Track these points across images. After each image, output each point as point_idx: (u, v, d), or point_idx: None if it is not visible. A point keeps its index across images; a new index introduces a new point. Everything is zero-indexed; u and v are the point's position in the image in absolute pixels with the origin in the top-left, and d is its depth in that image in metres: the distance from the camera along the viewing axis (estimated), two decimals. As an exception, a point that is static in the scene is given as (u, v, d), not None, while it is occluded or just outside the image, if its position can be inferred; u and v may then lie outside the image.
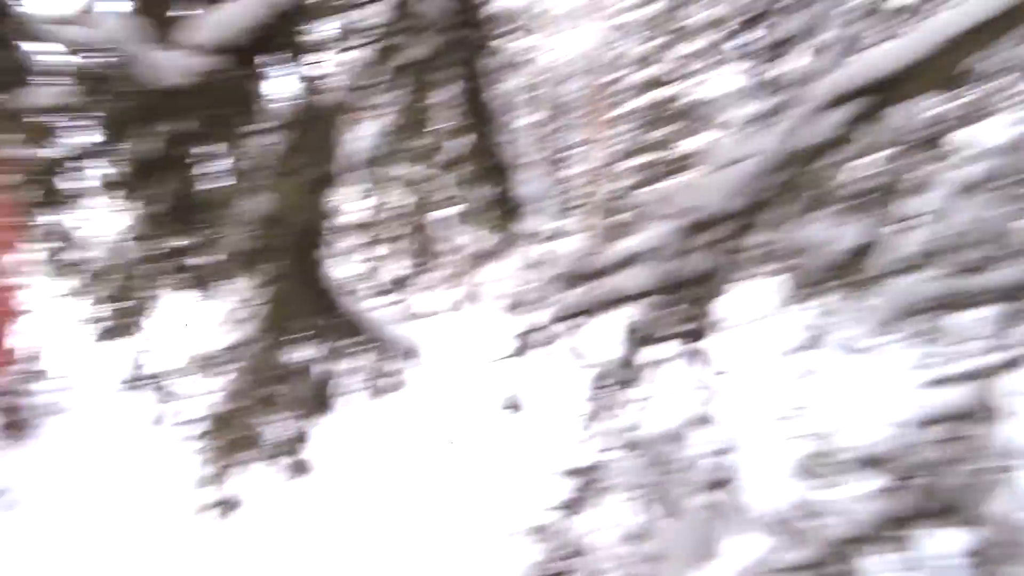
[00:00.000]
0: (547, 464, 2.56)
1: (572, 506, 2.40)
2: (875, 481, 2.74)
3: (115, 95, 1.34)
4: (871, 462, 4.61)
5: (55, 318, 7.29)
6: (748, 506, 2.36)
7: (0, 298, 7.74)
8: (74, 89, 1.34)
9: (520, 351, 1.98)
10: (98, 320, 2.17)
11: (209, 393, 2.68)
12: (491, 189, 1.97)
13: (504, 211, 2.01)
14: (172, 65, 1.30)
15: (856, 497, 2.65)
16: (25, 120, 1.49)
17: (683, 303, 1.69)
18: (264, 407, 2.50)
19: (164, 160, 1.46)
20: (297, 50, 1.49)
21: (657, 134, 17.97)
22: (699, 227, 1.61)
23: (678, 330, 1.73)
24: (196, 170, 1.52)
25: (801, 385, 6.39)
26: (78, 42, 1.34)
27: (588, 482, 2.31)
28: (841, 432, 4.67)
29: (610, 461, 2.31)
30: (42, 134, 1.56)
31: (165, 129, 1.42)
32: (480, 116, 1.81)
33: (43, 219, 1.96)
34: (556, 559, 2.46)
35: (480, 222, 2.21)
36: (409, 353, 2.37)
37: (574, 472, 2.40)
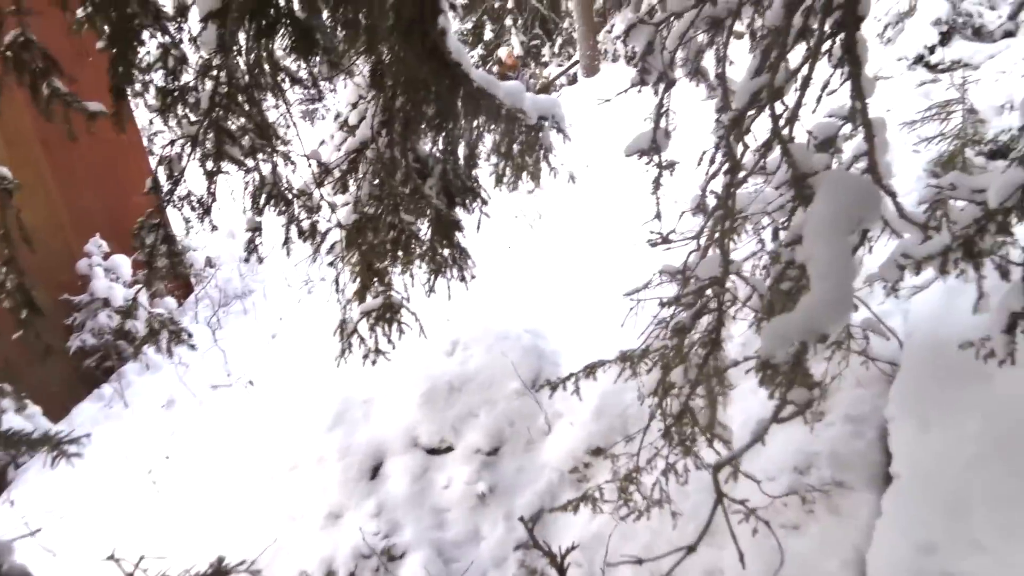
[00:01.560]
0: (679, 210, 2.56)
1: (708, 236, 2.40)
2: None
3: None
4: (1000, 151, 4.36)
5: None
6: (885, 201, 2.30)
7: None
8: None
9: (641, 79, 1.87)
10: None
11: (343, 205, 2.81)
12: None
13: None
14: None
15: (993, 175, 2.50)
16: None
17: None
18: (402, 207, 2.59)
19: None
20: None
21: None
22: None
23: (823, 22, 1.58)
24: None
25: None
26: None
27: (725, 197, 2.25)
28: (973, 126, 4.40)
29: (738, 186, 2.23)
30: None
31: None
32: None
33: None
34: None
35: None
36: (543, 121, 2.34)
37: (704, 209, 2.37)
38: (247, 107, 2.00)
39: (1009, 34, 6.87)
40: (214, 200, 2.27)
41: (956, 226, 2.22)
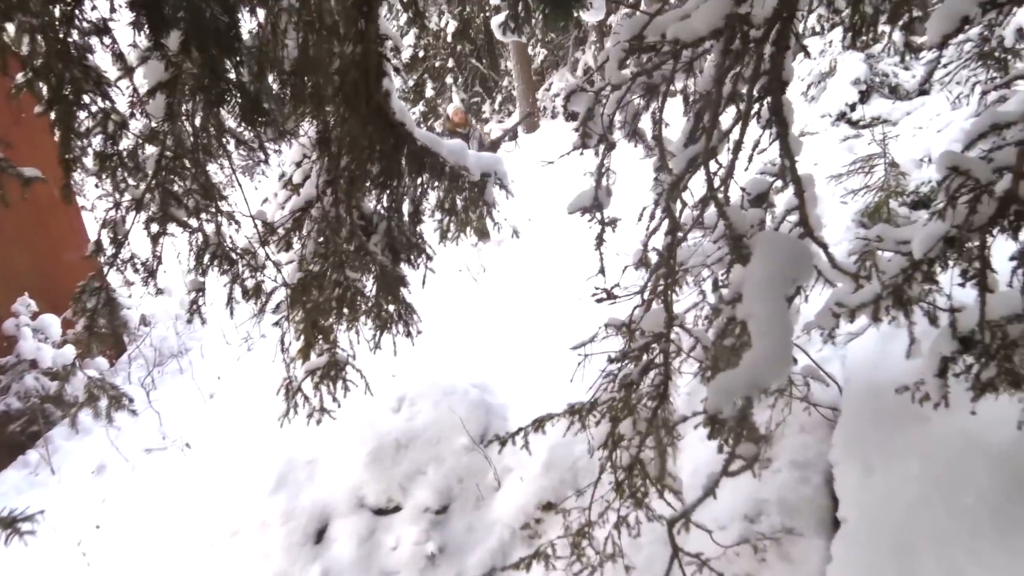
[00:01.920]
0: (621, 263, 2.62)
1: (651, 291, 2.46)
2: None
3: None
4: (922, 202, 4.63)
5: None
6: (817, 257, 2.40)
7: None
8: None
9: (582, 142, 1.94)
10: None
11: (288, 262, 2.76)
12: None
13: (559, 2, 1.89)
14: None
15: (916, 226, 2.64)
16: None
17: (756, 47, 1.61)
18: (347, 264, 2.56)
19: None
20: None
21: None
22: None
23: (751, 88, 1.67)
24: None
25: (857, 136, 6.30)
26: None
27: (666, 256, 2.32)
28: (895, 178, 4.67)
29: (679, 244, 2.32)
30: None
31: None
32: None
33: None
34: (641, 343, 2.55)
35: (534, 21, 2.10)
36: (486, 178, 2.37)
37: (646, 262, 2.44)
38: (193, 170, 1.97)
39: (923, 92, 7.38)
40: (159, 263, 2.21)
41: (885, 275, 2.32)
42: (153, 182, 1.93)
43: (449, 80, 18.98)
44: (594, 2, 2.91)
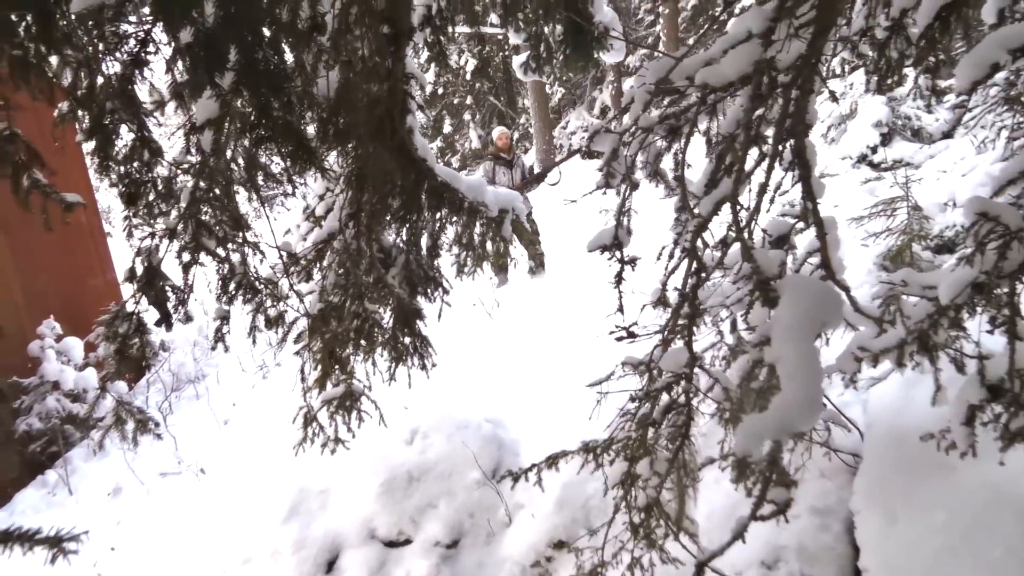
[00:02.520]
0: (640, 302, 2.61)
1: (672, 330, 2.44)
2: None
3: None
4: (945, 246, 4.57)
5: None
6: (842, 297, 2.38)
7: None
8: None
9: (606, 181, 1.95)
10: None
11: (308, 293, 2.79)
12: (565, 19, 1.88)
13: (580, 43, 1.93)
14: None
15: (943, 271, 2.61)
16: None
17: (783, 91, 1.62)
18: (366, 296, 2.58)
19: (230, 22, 1.43)
20: None
21: None
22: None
23: (778, 131, 1.67)
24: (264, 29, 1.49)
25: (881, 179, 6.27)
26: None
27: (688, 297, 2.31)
28: (918, 222, 4.63)
29: (702, 285, 2.32)
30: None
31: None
32: None
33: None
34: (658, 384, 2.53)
35: (554, 63, 2.15)
36: (503, 214, 2.39)
37: (664, 302, 2.43)
38: (225, 201, 2.02)
39: (947, 136, 7.36)
40: (191, 291, 2.25)
41: (910, 320, 2.29)
42: (187, 212, 1.98)
43: (467, 116, 19.29)
44: (613, 44, 2.95)
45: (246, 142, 1.83)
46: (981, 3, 1.76)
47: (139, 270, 2.09)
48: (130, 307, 2.21)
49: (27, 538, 1.36)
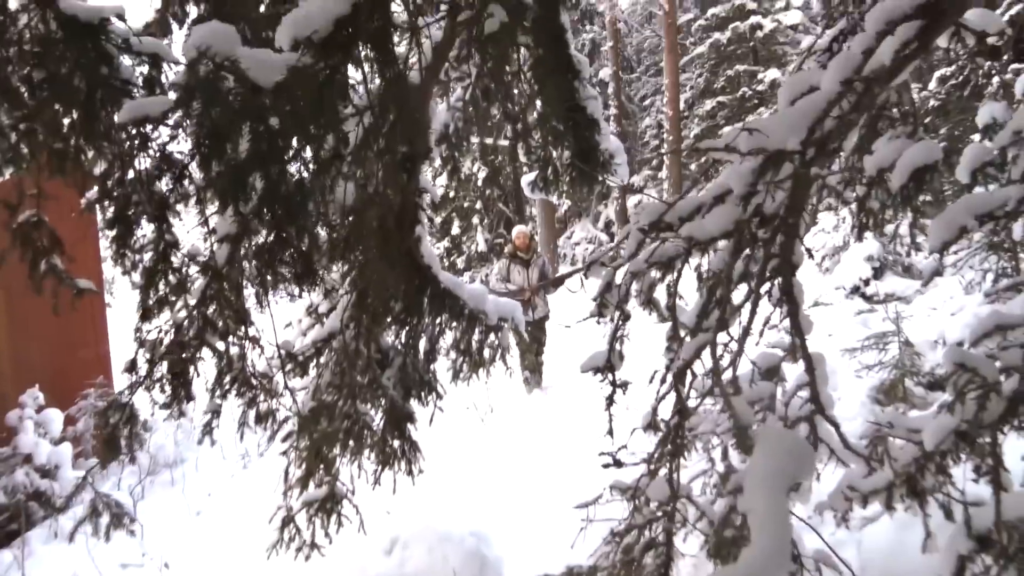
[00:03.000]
0: (631, 421, 2.61)
1: (658, 460, 2.45)
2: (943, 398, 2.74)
3: (216, 98, 1.41)
4: (937, 383, 4.60)
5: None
6: (829, 435, 2.39)
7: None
8: (175, 97, 1.42)
9: (599, 311, 2.02)
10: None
11: (301, 389, 2.80)
12: (573, 146, 2.01)
13: (584, 169, 2.05)
14: (268, 63, 1.37)
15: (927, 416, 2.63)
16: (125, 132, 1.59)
17: (764, 242, 1.72)
18: (359, 396, 2.59)
19: (259, 158, 1.54)
20: (377, 36, 1.55)
21: (730, 73, 17.99)
22: (776, 162, 1.63)
23: (763, 269, 1.76)
24: (289, 165, 1.60)
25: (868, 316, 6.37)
26: (172, 53, 1.43)
27: (672, 434, 2.34)
28: (910, 358, 4.68)
29: (692, 410, 2.34)
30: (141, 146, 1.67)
31: (261, 127, 1.50)
32: (562, 73, 1.85)
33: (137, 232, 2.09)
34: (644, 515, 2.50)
35: (561, 184, 2.28)
36: (502, 323, 2.45)
37: (654, 426, 2.44)
38: (233, 299, 2.09)
39: (937, 273, 7.55)
40: (190, 386, 2.27)
41: (897, 463, 2.29)
42: (195, 309, 2.04)
43: (475, 220, 19.84)
44: (618, 169, 3.12)
45: (259, 259, 1.92)
46: (954, 166, 1.89)
47: (140, 363, 2.12)
48: (124, 398, 2.22)
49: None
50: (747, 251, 1.87)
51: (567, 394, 7.28)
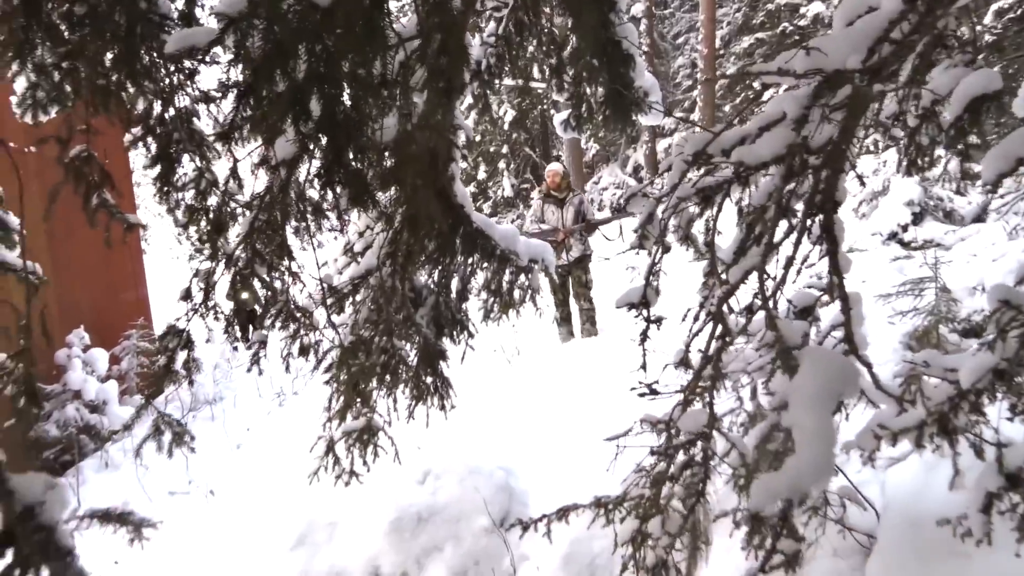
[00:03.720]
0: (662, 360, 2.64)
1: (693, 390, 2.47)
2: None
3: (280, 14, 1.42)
4: (972, 330, 4.54)
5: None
6: (862, 372, 2.39)
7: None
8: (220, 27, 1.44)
9: (639, 243, 2.02)
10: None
11: (340, 325, 2.87)
12: (607, 83, 1.99)
13: (620, 106, 2.03)
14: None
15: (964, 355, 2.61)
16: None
17: (814, 169, 1.69)
18: (395, 333, 2.65)
19: (317, 78, 1.55)
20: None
21: (770, 6, 17.27)
22: (834, 85, 1.59)
23: (811, 199, 1.74)
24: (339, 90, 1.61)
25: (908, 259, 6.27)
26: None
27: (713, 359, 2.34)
28: (947, 304, 4.61)
29: (726, 349, 2.35)
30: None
31: (319, 46, 1.50)
32: (597, 3, 1.81)
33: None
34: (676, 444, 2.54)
35: (595, 122, 2.26)
36: (533, 264, 2.47)
37: (686, 363, 2.46)
38: (277, 231, 2.14)
39: (978, 219, 7.35)
40: (255, 313, 2.34)
41: (931, 402, 2.29)
42: (245, 240, 2.10)
43: (501, 165, 19.67)
44: (652, 108, 3.07)
45: (315, 182, 1.95)
46: (1012, 97, 1.82)
47: (195, 291, 2.20)
48: (181, 324, 2.31)
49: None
50: (790, 186, 1.85)
51: (599, 337, 7.33)
